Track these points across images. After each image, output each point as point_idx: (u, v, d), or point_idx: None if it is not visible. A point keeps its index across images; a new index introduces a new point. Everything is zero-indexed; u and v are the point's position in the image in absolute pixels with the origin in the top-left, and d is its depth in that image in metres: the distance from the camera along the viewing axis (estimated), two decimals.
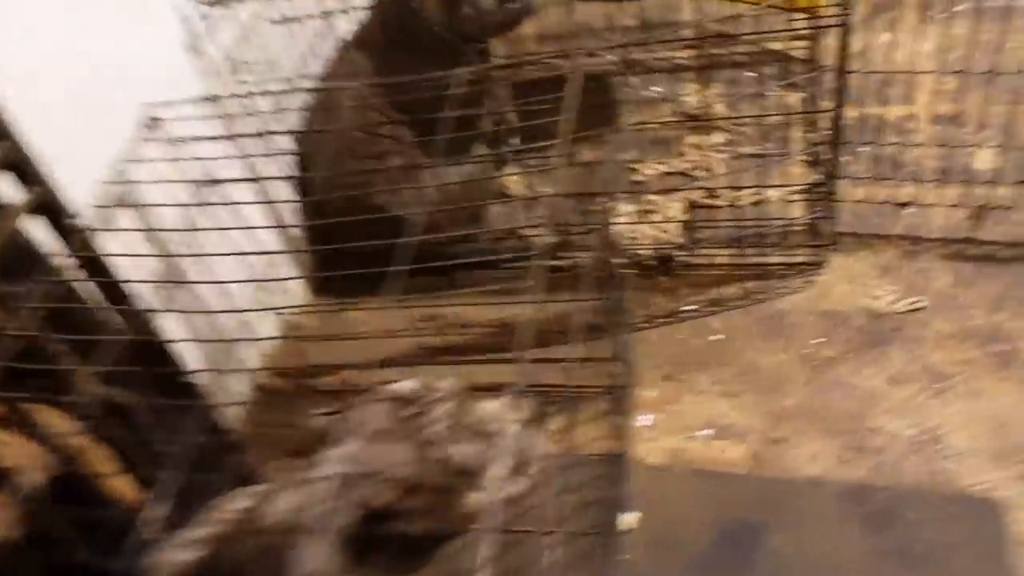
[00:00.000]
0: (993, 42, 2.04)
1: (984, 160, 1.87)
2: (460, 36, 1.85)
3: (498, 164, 2.11)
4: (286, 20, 1.84)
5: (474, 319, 1.82)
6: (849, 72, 1.60)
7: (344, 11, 1.97)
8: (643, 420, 1.64)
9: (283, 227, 1.94)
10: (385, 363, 1.82)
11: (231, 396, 1.73)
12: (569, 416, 1.66)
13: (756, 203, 1.93)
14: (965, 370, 1.57)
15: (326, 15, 1.91)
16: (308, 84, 1.93)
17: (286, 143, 1.84)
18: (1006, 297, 1.65)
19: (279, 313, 1.81)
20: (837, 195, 1.77)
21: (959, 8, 2.25)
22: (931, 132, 1.98)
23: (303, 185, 1.96)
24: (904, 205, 1.78)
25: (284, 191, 1.90)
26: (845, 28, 1.87)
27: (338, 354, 1.85)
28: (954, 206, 1.75)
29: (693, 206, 1.96)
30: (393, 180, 1.84)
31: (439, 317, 1.88)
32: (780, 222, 1.83)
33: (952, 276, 1.71)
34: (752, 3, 2.28)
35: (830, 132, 1.65)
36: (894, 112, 2.04)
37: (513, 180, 2.12)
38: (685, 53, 2.31)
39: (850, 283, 1.75)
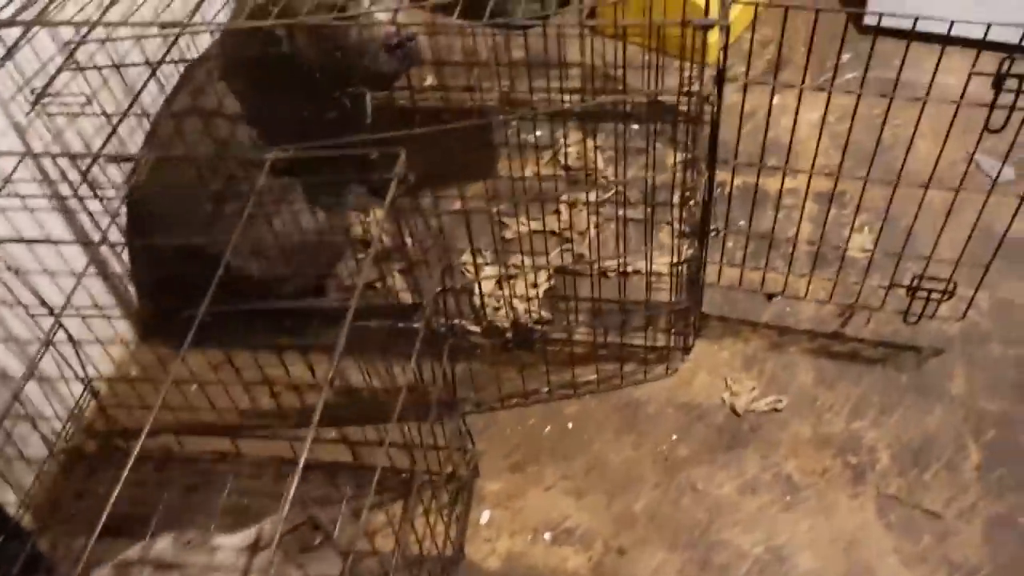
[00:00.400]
0: (879, 116, 1.98)
1: (859, 247, 1.80)
2: (339, 84, 1.67)
3: (361, 206, 1.95)
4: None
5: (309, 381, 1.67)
6: (730, 132, 1.49)
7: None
8: (484, 516, 1.52)
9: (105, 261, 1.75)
10: (207, 430, 1.66)
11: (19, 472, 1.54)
12: (404, 504, 1.53)
13: (624, 274, 1.82)
14: (819, 481, 1.50)
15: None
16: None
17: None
18: (866, 402, 1.58)
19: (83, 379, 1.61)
20: (705, 275, 1.69)
21: (848, 76, 2.19)
22: (809, 210, 1.90)
23: (135, 219, 1.76)
24: (770, 297, 1.69)
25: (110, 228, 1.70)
26: (720, 81, 1.78)
27: (160, 413, 1.65)
28: (824, 301, 1.67)
29: (559, 272, 1.84)
30: (231, 225, 1.66)
31: (276, 377, 1.73)
32: (645, 300, 1.73)
33: (815, 374, 1.63)
34: (642, 46, 2.17)
35: (701, 204, 1.54)
36: (774, 184, 1.96)
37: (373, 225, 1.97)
38: (570, 96, 2.18)
39: (711, 374, 1.66)
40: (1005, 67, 1.20)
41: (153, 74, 1.51)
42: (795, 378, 1.63)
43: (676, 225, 1.89)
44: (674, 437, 1.58)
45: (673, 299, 1.73)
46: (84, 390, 1.67)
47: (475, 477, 1.56)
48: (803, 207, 1.66)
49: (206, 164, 1.64)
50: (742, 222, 1.87)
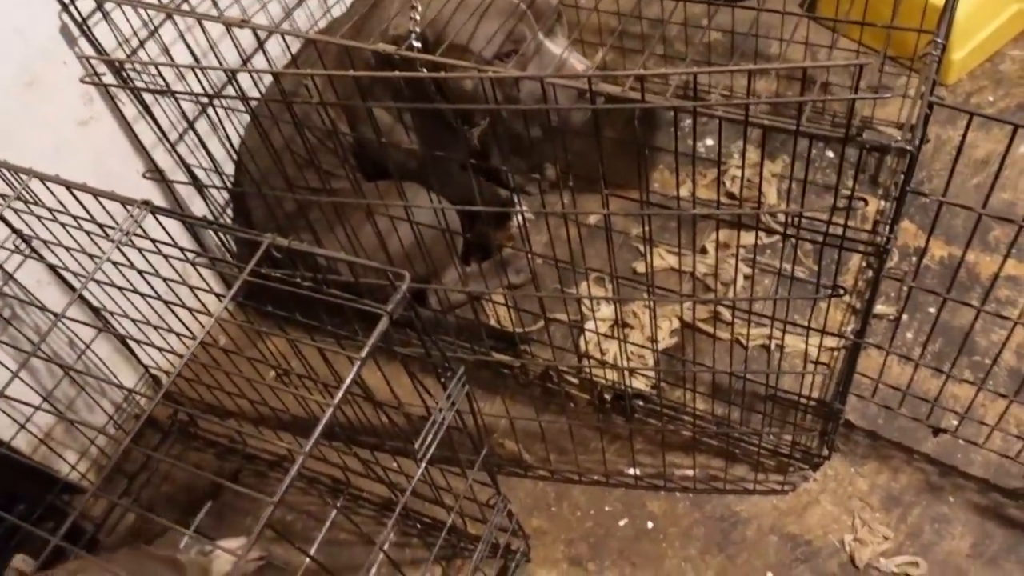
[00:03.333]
0: None
1: None
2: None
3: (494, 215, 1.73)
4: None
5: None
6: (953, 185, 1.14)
7: None
8: None
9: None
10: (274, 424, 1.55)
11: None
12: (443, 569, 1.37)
13: (767, 347, 1.50)
14: None
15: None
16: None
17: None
18: None
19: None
20: (856, 367, 1.34)
21: None
22: None
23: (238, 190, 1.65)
24: (936, 432, 1.32)
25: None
26: (927, 105, 1.38)
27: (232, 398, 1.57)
28: (1018, 437, 1.28)
29: (685, 327, 1.55)
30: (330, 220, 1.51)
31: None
32: (785, 388, 1.41)
33: (974, 540, 1.27)
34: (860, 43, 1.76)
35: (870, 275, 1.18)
36: (992, 267, 1.54)
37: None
38: (758, 102, 1.82)
39: (838, 505, 1.33)
40: None
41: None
42: (945, 539, 1.28)
43: (850, 298, 1.54)
44: (769, 575, 1.29)
45: (817, 393, 1.41)
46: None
47: (525, 558, 1.36)
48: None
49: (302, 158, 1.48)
50: (931, 309, 1.48)
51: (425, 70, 1.26)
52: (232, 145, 1.51)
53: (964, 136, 0.93)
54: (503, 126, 1.49)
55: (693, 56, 1.93)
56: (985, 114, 0.93)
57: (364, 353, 0.78)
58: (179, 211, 1.33)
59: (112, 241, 0.91)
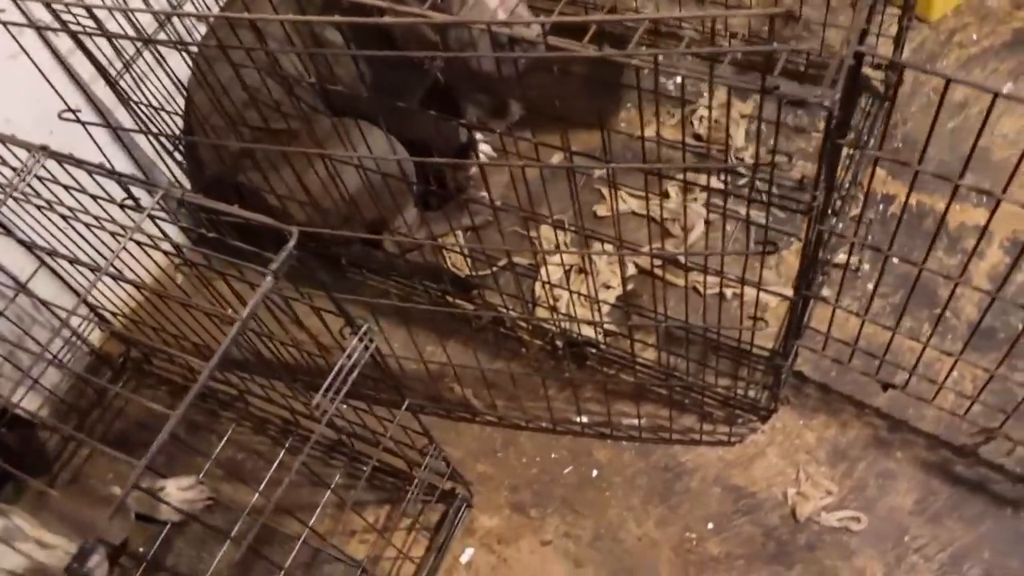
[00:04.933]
0: None
1: None
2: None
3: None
4: None
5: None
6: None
7: None
8: (466, 554, 1.33)
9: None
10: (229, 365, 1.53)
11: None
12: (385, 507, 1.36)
13: (723, 297, 1.47)
14: None
15: None
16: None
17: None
18: (973, 556, 1.20)
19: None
20: (809, 318, 1.32)
21: None
22: (993, 264, 1.43)
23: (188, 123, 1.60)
24: (886, 388, 1.29)
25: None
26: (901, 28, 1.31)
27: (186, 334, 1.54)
28: (966, 398, 1.25)
29: (642, 273, 1.51)
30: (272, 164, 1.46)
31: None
32: (736, 337, 1.38)
33: (918, 496, 1.25)
34: None
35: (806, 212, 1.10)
36: (961, 216, 1.49)
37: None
38: (730, 37, 1.75)
39: (784, 457, 1.32)
40: None
41: None
42: (889, 495, 1.26)
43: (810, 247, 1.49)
44: (710, 526, 1.28)
45: (771, 346, 1.38)
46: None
47: (467, 504, 1.36)
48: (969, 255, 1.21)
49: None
50: (895, 260, 1.44)
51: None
52: (177, 79, 1.46)
53: (939, 106, 0.87)
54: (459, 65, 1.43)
55: None
56: (907, 63, 0.87)
57: (245, 314, 0.75)
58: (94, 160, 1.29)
59: (6, 190, 0.88)
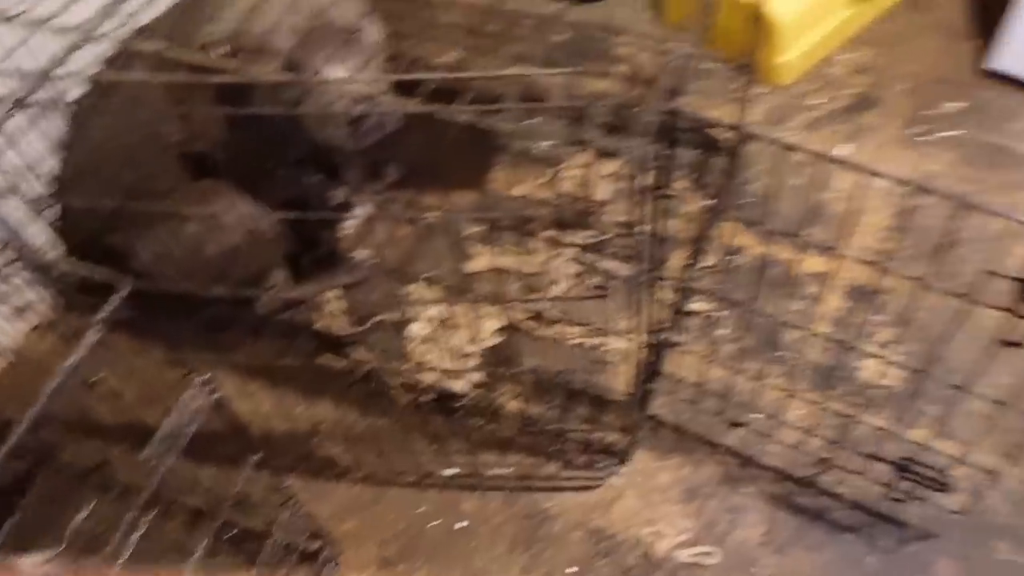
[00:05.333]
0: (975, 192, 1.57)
1: (877, 372, 1.43)
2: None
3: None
4: None
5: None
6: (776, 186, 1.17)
7: None
8: None
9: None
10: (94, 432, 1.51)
11: None
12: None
13: (590, 346, 1.53)
14: None
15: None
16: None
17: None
18: None
19: None
20: (661, 363, 1.38)
21: (948, 134, 1.75)
22: (835, 307, 1.53)
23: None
24: (734, 425, 1.36)
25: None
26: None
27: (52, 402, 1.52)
28: (807, 432, 1.32)
29: (508, 327, 1.57)
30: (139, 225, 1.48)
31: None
32: (594, 383, 1.44)
33: (766, 529, 1.31)
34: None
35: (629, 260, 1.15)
36: (804, 265, 1.59)
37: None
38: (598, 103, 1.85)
39: (641, 499, 1.36)
40: None
41: None
42: (739, 528, 1.31)
43: (667, 295, 1.57)
44: (572, 570, 1.31)
45: (631, 391, 1.43)
46: None
47: (334, 563, 1.36)
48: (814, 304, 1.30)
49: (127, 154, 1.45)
50: (742, 307, 1.53)
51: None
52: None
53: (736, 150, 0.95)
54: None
55: (542, 55, 1.96)
56: (788, 144, 0.95)
57: (68, 362, 0.77)
58: None
59: None
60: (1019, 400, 1.02)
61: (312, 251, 1.69)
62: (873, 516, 1.29)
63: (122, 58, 1.49)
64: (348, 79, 1.28)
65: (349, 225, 1.75)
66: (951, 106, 1.78)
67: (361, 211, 1.77)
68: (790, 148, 0.96)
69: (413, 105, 0.93)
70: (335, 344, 1.56)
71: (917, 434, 1.26)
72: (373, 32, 1.37)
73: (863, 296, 1.52)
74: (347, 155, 1.76)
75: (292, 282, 1.61)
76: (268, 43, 1.23)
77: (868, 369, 1.43)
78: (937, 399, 1.36)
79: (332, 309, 1.62)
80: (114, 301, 0.83)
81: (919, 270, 0.99)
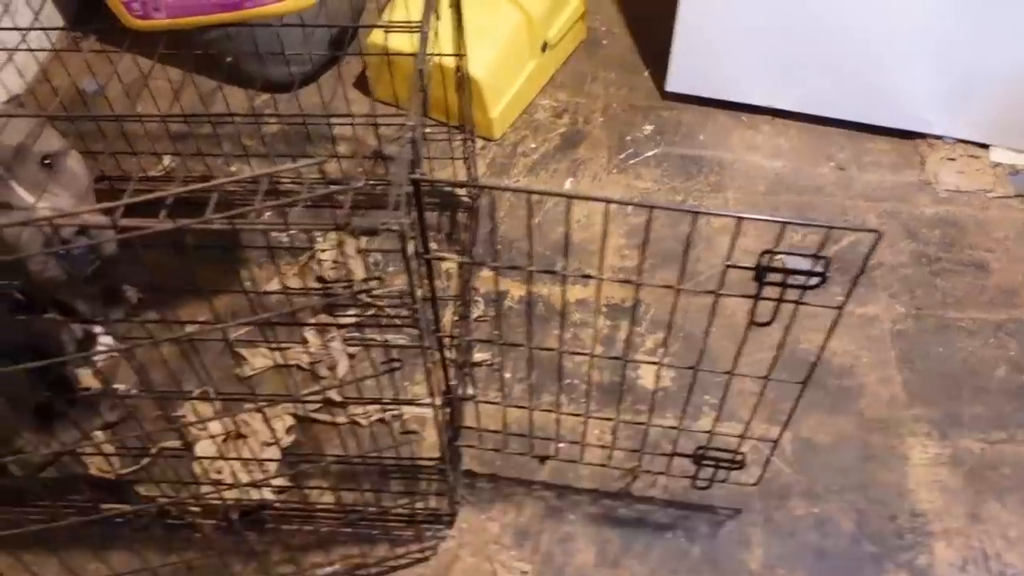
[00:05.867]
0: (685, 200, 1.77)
1: (653, 378, 1.56)
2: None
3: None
4: None
5: None
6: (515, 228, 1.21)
7: None
8: None
9: None
10: None
11: None
12: None
13: (385, 421, 1.52)
14: None
15: None
16: None
17: None
18: None
19: None
20: (461, 418, 1.42)
21: (649, 153, 1.96)
22: (601, 328, 1.65)
23: None
24: (542, 460, 1.43)
25: None
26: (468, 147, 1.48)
27: None
28: (605, 448, 1.41)
29: (300, 421, 1.52)
30: None
31: None
32: (400, 456, 1.44)
33: (597, 549, 1.38)
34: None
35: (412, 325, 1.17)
36: (567, 294, 1.70)
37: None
38: (328, 184, 1.86)
39: (477, 554, 1.38)
40: (766, 260, 0.95)
41: None
42: (573, 556, 1.37)
43: (449, 353, 1.61)
44: None
45: (437, 455, 1.45)
46: None
47: None
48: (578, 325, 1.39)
49: None
50: (523, 348, 1.60)
51: None
52: None
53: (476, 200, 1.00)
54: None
55: (256, 149, 1.94)
56: (476, 184, 1.01)
57: None
58: None
59: None
60: (776, 372, 1.15)
61: (62, 395, 1.54)
62: (686, 509, 1.40)
63: None
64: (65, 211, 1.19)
65: (99, 359, 1.61)
66: (645, 129, 2.00)
67: (106, 341, 1.64)
68: (541, 194, 1.03)
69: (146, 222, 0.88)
70: (116, 488, 1.42)
71: (703, 423, 1.40)
72: (73, 156, 1.28)
73: (623, 311, 1.66)
74: (72, 287, 1.63)
75: (46, 435, 1.46)
76: None
77: (646, 377, 1.56)
78: (711, 388, 1.51)
79: (102, 451, 1.48)
80: None
81: (664, 277, 1.10)
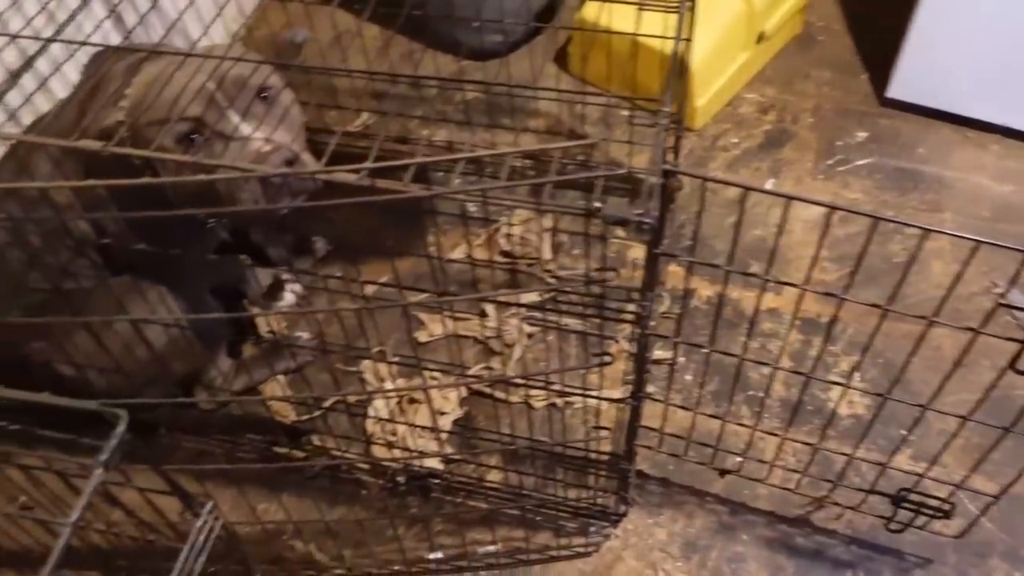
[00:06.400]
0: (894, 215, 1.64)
1: (847, 400, 1.46)
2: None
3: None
4: None
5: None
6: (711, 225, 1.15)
7: None
8: None
9: None
10: None
11: None
12: None
13: (557, 406, 1.49)
14: None
15: None
16: None
17: None
18: None
19: None
20: (640, 419, 1.36)
21: (861, 162, 1.83)
22: (794, 341, 1.55)
23: None
24: (723, 474, 1.35)
25: None
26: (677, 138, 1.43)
27: None
28: (793, 471, 1.33)
29: (473, 394, 1.51)
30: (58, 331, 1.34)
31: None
32: (578, 446, 1.40)
33: (768, 573, 1.30)
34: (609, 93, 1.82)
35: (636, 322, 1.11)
36: (753, 301, 1.61)
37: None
38: (522, 159, 1.83)
39: (640, 559, 1.33)
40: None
41: None
42: None
43: (628, 346, 1.55)
44: None
45: (608, 447, 1.40)
46: None
47: None
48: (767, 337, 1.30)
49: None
50: (706, 350, 1.53)
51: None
52: None
53: (702, 202, 0.95)
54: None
55: (452, 115, 1.93)
56: (716, 178, 0.95)
57: (73, 518, 0.67)
58: None
59: None
60: (989, 417, 1.04)
61: (248, 338, 1.59)
62: (871, 549, 1.31)
63: (17, 154, 1.36)
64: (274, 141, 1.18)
65: (284, 306, 1.65)
66: (859, 135, 1.87)
67: (294, 289, 1.68)
68: (753, 190, 0.96)
69: (355, 175, 0.86)
70: (290, 434, 1.45)
71: (902, 461, 1.29)
72: (287, 94, 1.29)
73: (817, 327, 1.56)
74: (269, 233, 1.67)
75: (236, 372, 1.50)
76: (173, 110, 1.14)
77: (836, 400, 1.46)
78: (907, 422, 1.40)
79: (279, 397, 1.52)
80: (116, 437, 0.73)
81: (868, 296, 1.01)
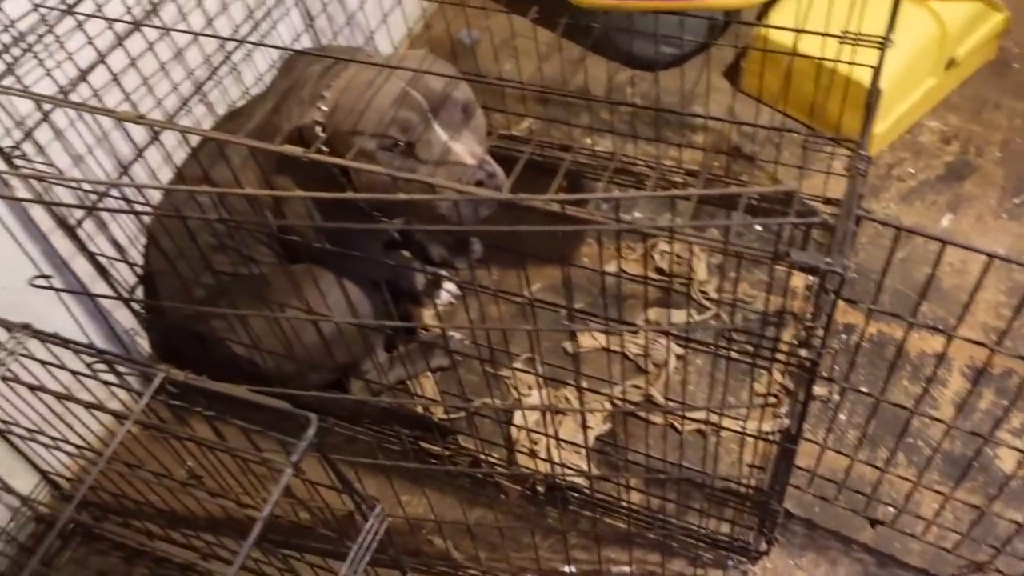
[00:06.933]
0: None
1: (1013, 461, 1.37)
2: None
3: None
4: None
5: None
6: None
7: None
8: None
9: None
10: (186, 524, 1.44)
11: None
12: None
13: (702, 432, 1.47)
14: None
15: None
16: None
17: None
18: None
19: None
20: (794, 457, 1.32)
21: None
22: (957, 389, 1.47)
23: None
24: (874, 524, 1.30)
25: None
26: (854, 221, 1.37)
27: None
28: (951, 531, 1.26)
29: (618, 413, 1.51)
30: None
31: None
32: (720, 475, 1.38)
33: None
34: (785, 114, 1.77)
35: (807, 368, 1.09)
36: (920, 344, 1.54)
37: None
38: (684, 176, 1.81)
39: None
40: None
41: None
42: None
43: (780, 377, 1.51)
44: None
45: (754, 482, 1.37)
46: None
47: None
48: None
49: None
50: (864, 388, 1.47)
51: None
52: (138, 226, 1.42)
53: (892, 251, 0.91)
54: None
55: (618, 126, 1.92)
56: (907, 227, 0.91)
57: (265, 513, 0.71)
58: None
59: None
60: None
61: (403, 333, 1.64)
62: None
63: (210, 146, 1.45)
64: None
65: (439, 304, 1.70)
66: None
67: (450, 288, 1.72)
68: (950, 243, 0.91)
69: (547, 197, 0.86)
70: (437, 431, 1.49)
71: None
72: (479, 107, 1.33)
73: (989, 378, 1.47)
74: (434, 232, 1.71)
75: (391, 365, 1.56)
76: (382, 117, 1.19)
77: (1004, 458, 1.37)
78: None
79: (428, 394, 1.56)
80: (306, 440, 0.77)
81: None
